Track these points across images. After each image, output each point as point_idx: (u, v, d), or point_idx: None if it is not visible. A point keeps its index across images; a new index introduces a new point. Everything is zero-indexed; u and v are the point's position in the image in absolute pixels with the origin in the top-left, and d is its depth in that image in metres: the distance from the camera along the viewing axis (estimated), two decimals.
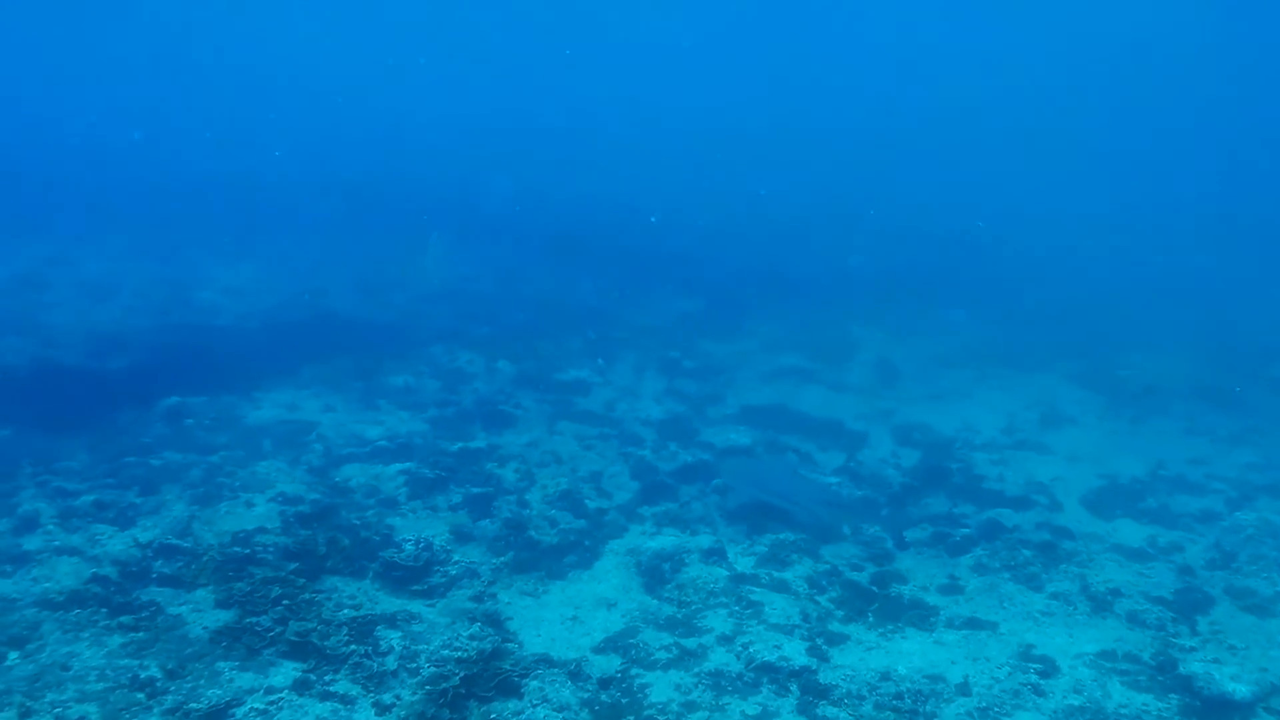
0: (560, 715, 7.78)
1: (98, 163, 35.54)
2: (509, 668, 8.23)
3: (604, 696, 8.13)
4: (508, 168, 39.24)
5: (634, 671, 8.49)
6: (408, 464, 12.35)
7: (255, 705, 7.56)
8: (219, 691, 7.65)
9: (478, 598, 9.60)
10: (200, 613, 8.75)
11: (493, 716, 7.73)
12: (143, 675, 7.75)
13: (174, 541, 9.79)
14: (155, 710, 7.37)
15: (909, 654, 9.03)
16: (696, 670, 8.53)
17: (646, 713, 7.91)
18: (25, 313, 17.10)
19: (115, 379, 15.41)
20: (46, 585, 8.94)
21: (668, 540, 10.94)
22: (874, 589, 10.27)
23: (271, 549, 9.87)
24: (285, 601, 8.89)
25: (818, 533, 11.36)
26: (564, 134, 50.54)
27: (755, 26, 64.74)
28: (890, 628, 9.53)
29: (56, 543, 9.76)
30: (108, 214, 27.52)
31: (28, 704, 7.27)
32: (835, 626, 9.45)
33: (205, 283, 20.11)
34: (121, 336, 16.53)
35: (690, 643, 8.98)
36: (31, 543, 9.72)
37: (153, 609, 8.72)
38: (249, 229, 26.62)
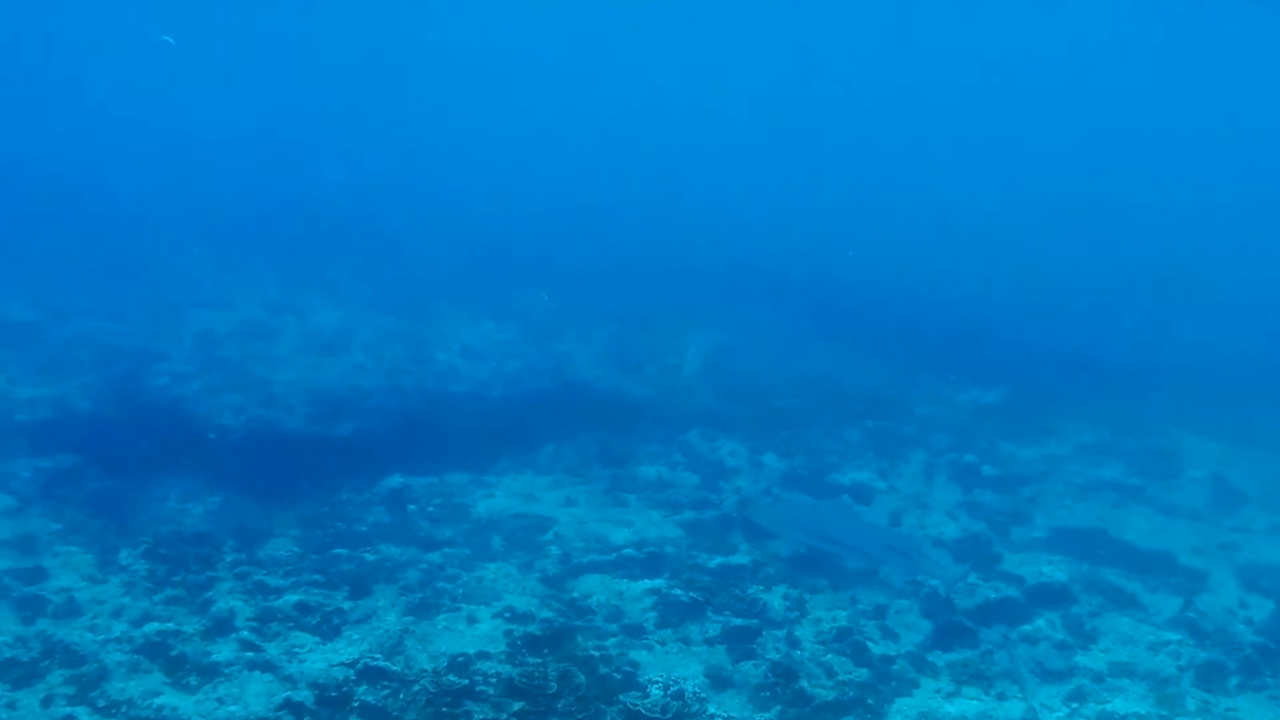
0: None
1: (351, 202, 36.69)
2: None
3: None
4: (784, 223, 38.53)
5: None
6: (658, 580, 11.34)
7: None
8: None
9: None
10: None
11: None
12: None
13: (382, 663, 9.03)
14: None
15: None
16: None
17: None
18: (249, 366, 17.13)
19: (336, 449, 15.13)
20: (232, 709, 8.31)
21: (968, 705, 9.58)
22: None
23: (494, 681, 8.99)
24: None
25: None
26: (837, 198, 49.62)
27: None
28: None
29: (250, 653, 9.14)
30: (349, 257, 28.05)
31: None
32: None
33: (444, 342, 19.86)
34: (348, 399, 16.29)
35: None
36: (222, 651, 9.13)
37: None
38: (492, 282, 26.55)
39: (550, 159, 49.96)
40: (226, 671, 8.85)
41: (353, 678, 8.88)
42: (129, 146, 42.97)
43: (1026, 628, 11.36)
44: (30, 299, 19.81)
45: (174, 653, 9.02)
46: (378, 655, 9.19)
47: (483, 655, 9.41)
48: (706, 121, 63.19)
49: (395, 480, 13.35)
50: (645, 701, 8.96)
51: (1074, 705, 9.95)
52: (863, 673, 10.05)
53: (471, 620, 10.22)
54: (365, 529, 12.31)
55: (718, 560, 11.99)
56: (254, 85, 58.64)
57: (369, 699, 8.64)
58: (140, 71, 57.48)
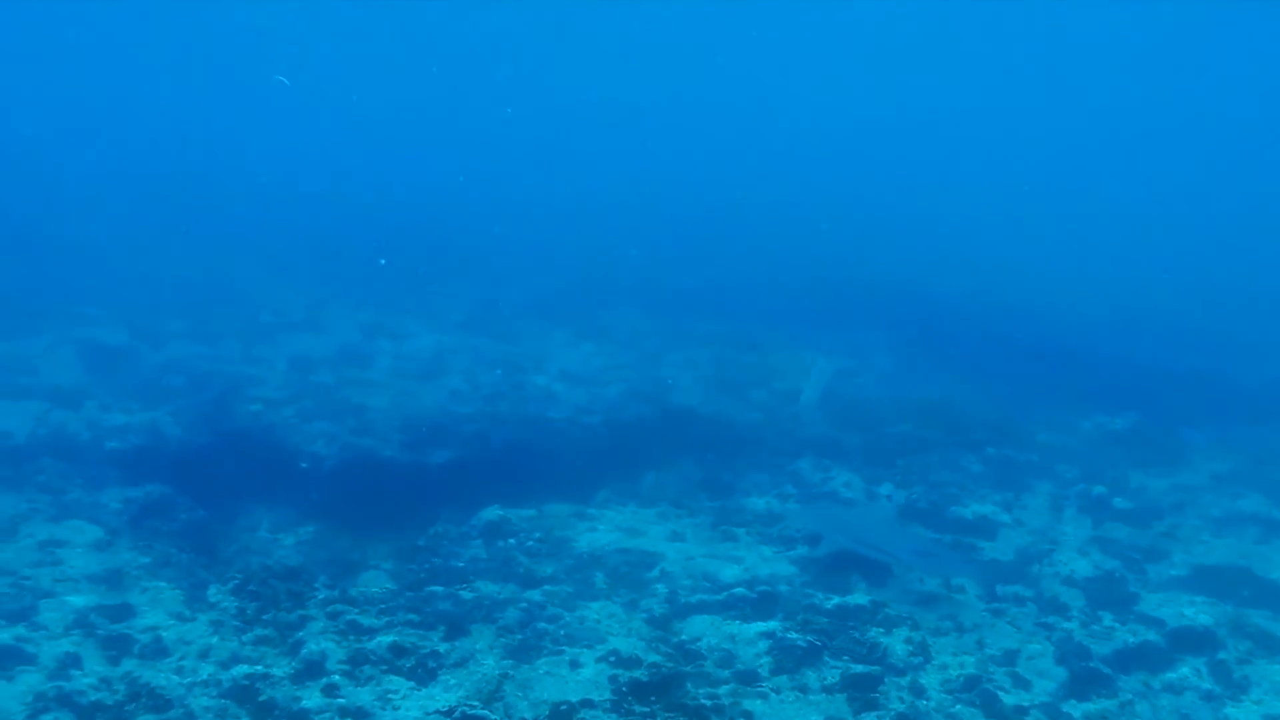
0: None
1: (442, 220, 36.88)
2: None
3: None
4: (886, 238, 38.01)
5: None
6: (771, 623, 10.89)
7: None
8: None
9: None
10: None
11: None
12: None
13: (480, 711, 8.71)
14: None
15: None
16: None
17: None
18: (343, 392, 17.03)
19: (432, 478, 15.00)
20: None
21: None
22: None
23: None
24: None
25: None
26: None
27: None
28: None
29: (341, 699, 8.86)
30: (443, 276, 28.09)
31: None
32: None
33: (541, 365, 19.64)
34: (444, 426, 16.09)
35: None
36: (311, 698, 8.87)
37: None
38: (589, 300, 26.46)
39: (647, 173, 49.92)
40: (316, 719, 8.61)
41: None
42: (221, 167, 43.80)
43: (1169, 676, 10.78)
44: (124, 323, 20.00)
45: (262, 698, 8.78)
46: (475, 703, 8.88)
47: (586, 704, 9.05)
48: (807, 135, 62.98)
49: (493, 512, 13.10)
50: None
51: None
52: None
53: (574, 664, 9.89)
54: (462, 564, 12.07)
55: (835, 600, 11.50)
56: (338, 108, 59.55)
57: None
58: (223, 93, 58.92)
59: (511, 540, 12.66)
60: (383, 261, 25.58)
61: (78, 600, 10.30)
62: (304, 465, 14.84)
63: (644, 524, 13.63)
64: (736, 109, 65.79)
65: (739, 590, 11.68)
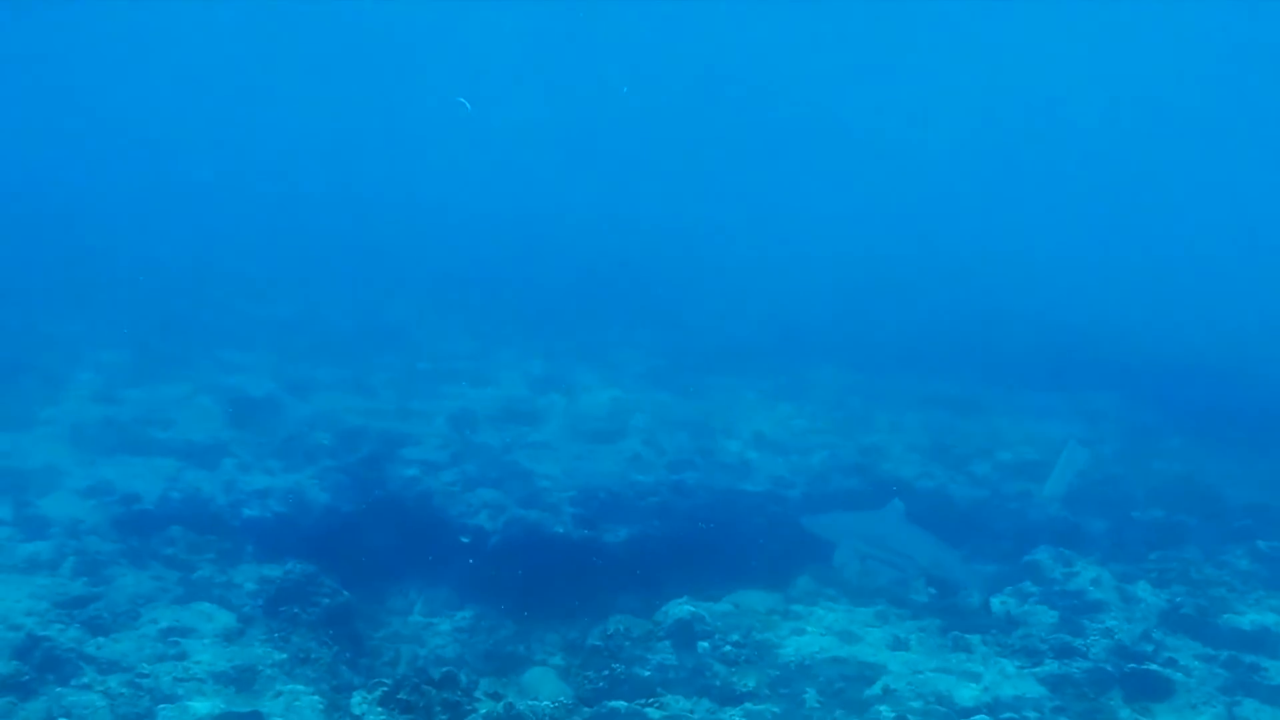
0: None
1: (619, 258, 36.53)
2: None
3: None
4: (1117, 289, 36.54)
5: None
6: None
7: None
8: None
9: None
10: None
11: None
12: None
13: None
14: None
15: None
16: None
17: None
18: (510, 455, 16.24)
19: (609, 559, 14.23)
20: None
21: None
22: None
23: None
24: None
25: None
26: None
27: None
28: None
29: None
30: (621, 319, 27.66)
31: None
32: None
33: (733, 428, 18.56)
34: (623, 498, 15.25)
35: None
36: None
37: None
38: (783, 352, 25.43)
39: (838, 215, 49.41)
40: None
41: None
42: (378, 194, 44.37)
43: None
44: (271, 370, 19.66)
45: None
46: None
47: None
48: (1020, 173, 62.04)
49: (682, 607, 11.94)
50: None
51: None
52: None
53: None
54: (648, 673, 10.96)
55: None
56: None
57: None
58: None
59: (704, 644, 11.51)
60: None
61: (202, 706, 9.46)
62: (464, 540, 14.22)
63: (859, 626, 12.37)
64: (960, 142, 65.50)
65: (980, 718, 10.40)
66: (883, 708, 10.56)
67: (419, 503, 14.82)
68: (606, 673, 11.00)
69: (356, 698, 9.97)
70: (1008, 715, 10.48)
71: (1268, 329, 33.37)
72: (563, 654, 12.54)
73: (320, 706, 9.83)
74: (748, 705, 10.44)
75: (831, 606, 12.86)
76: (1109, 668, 11.71)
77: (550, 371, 21.21)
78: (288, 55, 69.09)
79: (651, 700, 10.32)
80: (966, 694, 10.90)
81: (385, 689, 9.95)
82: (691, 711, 10.18)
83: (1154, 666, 11.82)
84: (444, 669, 10.44)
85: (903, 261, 40.04)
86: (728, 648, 11.53)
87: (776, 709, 10.42)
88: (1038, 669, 11.59)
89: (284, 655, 10.67)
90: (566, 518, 14.67)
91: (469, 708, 9.84)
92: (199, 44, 62.83)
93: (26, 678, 9.38)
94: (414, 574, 13.90)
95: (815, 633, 12.07)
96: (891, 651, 11.80)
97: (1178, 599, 13.63)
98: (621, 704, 10.18)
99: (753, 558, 14.21)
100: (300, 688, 10.13)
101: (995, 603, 13.29)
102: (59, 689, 9.45)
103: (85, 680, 9.63)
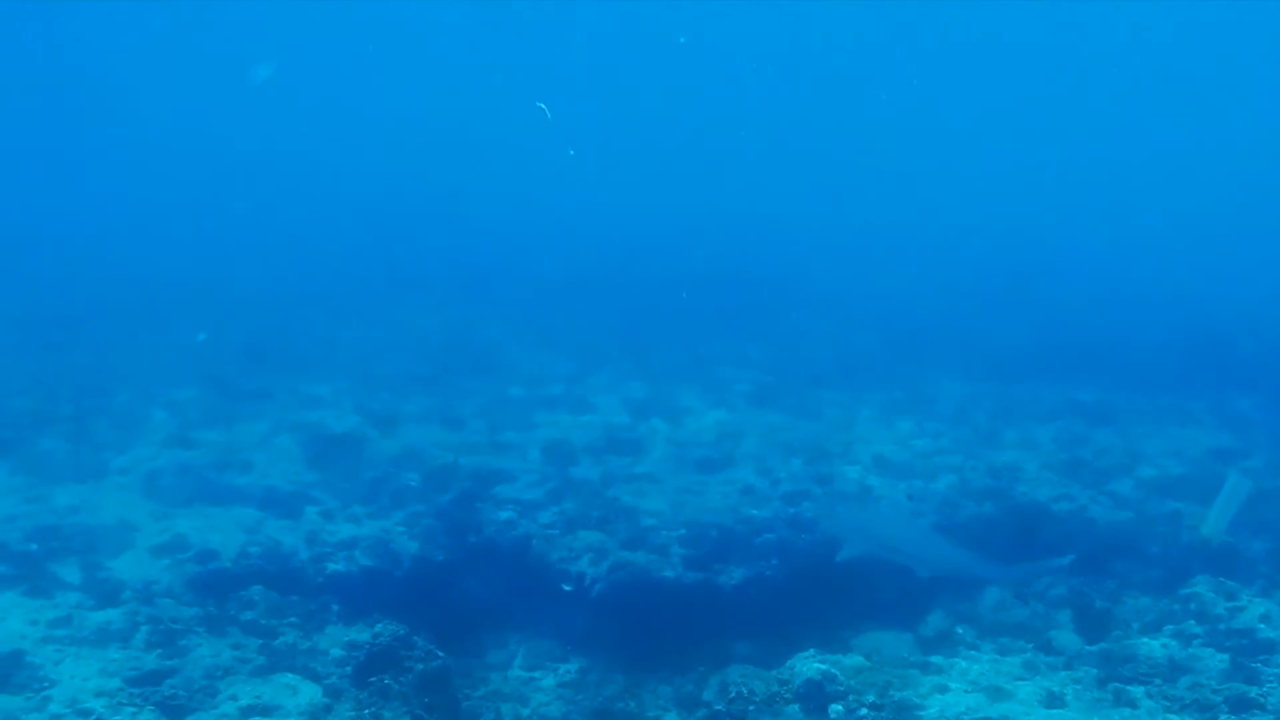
0: None
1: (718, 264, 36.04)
2: None
3: None
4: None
5: None
6: None
7: None
8: None
9: None
10: None
11: None
12: None
13: None
14: None
15: None
16: None
17: None
18: (611, 491, 15.53)
19: (724, 604, 13.56)
20: None
21: None
22: None
23: None
24: None
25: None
26: None
27: None
28: None
29: None
30: (724, 332, 27.10)
31: None
32: None
33: (852, 450, 17.71)
34: (736, 536, 14.51)
35: None
36: None
37: None
38: (899, 363, 24.76)
39: (955, 209, 48.69)
40: None
41: None
42: (461, 206, 44.25)
43: None
44: (353, 401, 19.25)
45: None
46: None
47: None
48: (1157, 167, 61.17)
49: (810, 665, 11.12)
50: None
51: None
52: None
53: None
54: None
55: None
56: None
57: None
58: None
59: (838, 706, 10.72)
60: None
61: None
62: (566, 588, 13.64)
63: (1007, 679, 11.48)
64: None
65: None
66: None
67: (515, 548, 14.23)
68: None
69: None
70: None
71: None
72: (677, 710, 11.99)
73: None
74: None
75: (974, 656, 12.04)
76: None
77: (651, 394, 20.62)
78: (363, 67, 69.66)
79: None
80: None
81: None
82: None
83: None
84: None
85: (1014, 260, 39.25)
86: (864, 710, 10.74)
87: None
88: None
89: None
90: (675, 560, 13.99)
91: None
92: (276, 55, 63.24)
93: None
94: (513, 625, 13.50)
95: (959, 689, 11.23)
96: (1047, 710, 10.94)
97: None
98: None
99: (878, 592, 13.46)
100: None
101: (1157, 646, 12.40)
102: None
103: None
